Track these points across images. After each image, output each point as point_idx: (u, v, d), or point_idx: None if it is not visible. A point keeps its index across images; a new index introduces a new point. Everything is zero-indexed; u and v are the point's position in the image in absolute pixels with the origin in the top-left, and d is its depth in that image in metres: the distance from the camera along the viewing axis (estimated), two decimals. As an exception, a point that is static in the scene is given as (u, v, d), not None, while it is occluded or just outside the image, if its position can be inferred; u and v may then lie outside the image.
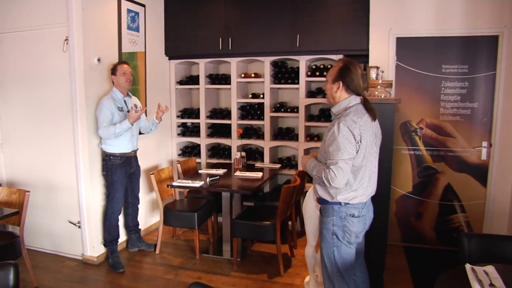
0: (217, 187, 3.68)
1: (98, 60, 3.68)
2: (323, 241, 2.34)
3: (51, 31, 3.63)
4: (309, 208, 2.87)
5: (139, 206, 4.05)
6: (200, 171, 4.28)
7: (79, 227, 3.81)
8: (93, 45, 3.66)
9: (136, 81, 4.26)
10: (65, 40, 3.56)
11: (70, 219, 3.84)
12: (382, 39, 3.96)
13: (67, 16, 3.51)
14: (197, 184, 3.67)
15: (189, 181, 3.77)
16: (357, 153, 2.14)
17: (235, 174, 4.07)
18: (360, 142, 2.13)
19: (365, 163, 2.20)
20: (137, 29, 4.21)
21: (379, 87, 3.49)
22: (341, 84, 2.25)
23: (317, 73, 4.35)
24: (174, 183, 3.73)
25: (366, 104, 2.24)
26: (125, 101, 3.71)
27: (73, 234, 3.84)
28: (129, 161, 3.75)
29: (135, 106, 3.75)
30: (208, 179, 3.77)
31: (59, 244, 3.95)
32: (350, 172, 2.17)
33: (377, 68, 3.70)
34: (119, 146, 3.64)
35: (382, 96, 3.39)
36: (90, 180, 3.70)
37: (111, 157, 3.65)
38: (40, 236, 4.01)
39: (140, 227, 4.15)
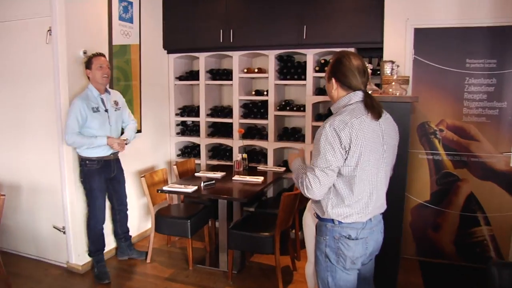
0: (210, 193, 3.34)
1: (84, 52, 3.38)
2: (317, 264, 1.97)
3: (34, 22, 3.35)
4: (308, 222, 2.50)
5: (128, 212, 3.72)
6: (196, 174, 3.95)
7: (64, 232, 3.53)
8: (79, 36, 3.37)
9: (130, 76, 3.96)
10: (48, 31, 3.28)
11: (55, 223, 3.57)
12: (398, 30, 3.55)
13: (50, 3, 3.22)
14: (189, 189, 3.34)
15: (182, 186, 3.44)
16: (345, 160, 1.77)
17: (233, 178, 3.73)
18: (349, 148, 1.75)
19: (359, 173, 1.79)
20: (130, 20, 3.90)
21: (393, 83, 3.09)
22: (333, 81, 1.90)
23: (326, 68, 3.95)
24: (164, 188, 3.40)
25: (367, 101, 1.84)
26: (102, 100, 3.31)
27: (58, 240, 3.57)
28: (108, 165, 3.38)
29: (126, 140, 3.43)
30: (202, 184, 3.44)
31: (44, 250, 3.69)
32: (343, 183, 1.81)
33: (392, 62, 3.32)
34: (96, 149, 3.27)
35: (397, 93, 3.00)
36: (75, 183, 3.41)
37: (87, 161, 3.28)
38: (24, 241, 3.76)
39: (131, 233, 3.83)
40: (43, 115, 3.44)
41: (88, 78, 3.28)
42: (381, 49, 3.69)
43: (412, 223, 3.74)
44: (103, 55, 3.30)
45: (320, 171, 1.77)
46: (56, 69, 3.28)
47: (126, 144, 3.38)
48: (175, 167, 4.08)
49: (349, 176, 1.79)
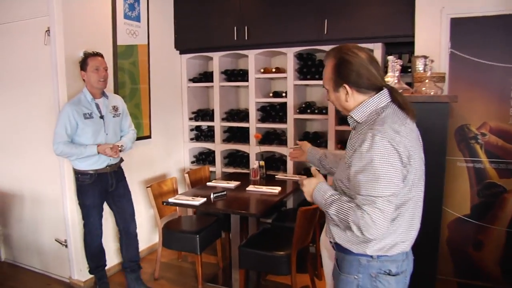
0: (219, 207, 3.01)
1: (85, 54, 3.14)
2: None
3: (33, 22, 3.14)
4: (327, 246, 2.12)
5: (136, 232, 3.21)
6: (209, 184, 3.64)
7: (66, 246, 3.31)
8: (79, 36, 3.13)
9: (137, 79, 3.70)
10: (46, 31, 3.06)
11: (58, 236, 3.36)
12: (432, 21, 3.12)
13: (47, 2, 3.00)
14: (197, 202, 3.03)
15: (190, 197, 3.14)
16: (403, 181, 1.39)
17: (247, 188, 3.39)
18: (409, 164, 1.39)
19: (414, 194, 1.44)
20: (137, 19, 3.65)
21: (427, 81, 2.69)
22: (347, 88, 1.50)
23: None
24: (170, 200, 3.10)
25: (399, 99, 1.47)
26: (97, 105, 2.93)
27: (60, 254, 3.36)
28: (103, 179, 2.98)
29: (121, 146, 2.98)
30: (212, 195, 3.13)
31: (47, 264, 3.49)
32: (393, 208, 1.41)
33: (425, 57, 2.95)
34: (88, 160, 2.89)
35: (432, 92, 2.60)
36: (75, 194, 3.17)
37: (79, 175, 2.93)
38: (28, 253, 3.58)
39: (140, 261, 3.30)
40: (42, 121, 3.23)
41: (84, 80, 2.93)
42: (411, 44, 3.27)
43: (449, 240, 3.29)
44: (101, 55, 2.95)
45: (384, 201, 1.33)
46: (54, 71, 3.06)
47: (120, 151, 2.96)
48: (186, 175, 3.80)
49: (404, 200, 1.42)
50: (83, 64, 2.89)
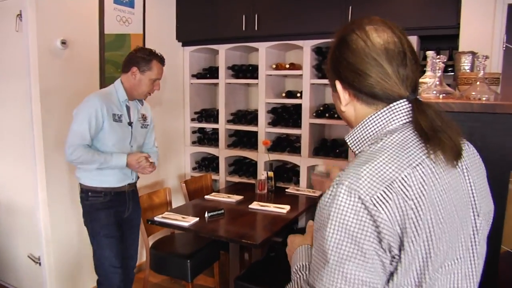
0: (211, 231, 2.48)
1: (63, 43, 2.68)
2: None
3: (4, 4, 2.71)
4: None
5: (134, 271, 2.63)
6: (207, 197, 3.12)
7: (40, 264, 2.87)
8: (57, 22, 2.68)
9: (130, 73, 3.22)
10: (18, 15, 2.61)
11: (32, 251, 2.92)
12: (483, 8, 2.52)
13: (18, -19, 2.56)
14: (187, 222, 2.52)
15: (179, 215, 2.64)
16: (392, 276, 0.75)
17: (250, 206, 2.87)
18: (400, 246, 0.73)
19: (442, 275, 0.79)
20: (130, 4, 3.17)
21: (478, 83, 2.09)
22: (339, 86, 0.92)
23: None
24: (156, 219, 2.60)
25: (424, 122, 0.82)
26: (127, 108, 2.34)
27: (34, 272, 2.92)
28: (120, 200, 2.37)
29: (148, 157, 2.36)
30: (206, 215, 2.62)
31: (22, 282, 3.07)
32: None
33: (473, 54, 2.35)
34: (106, 175, 2.28)
35: (483, 98, 2.00)
36: (49, 204, 2.73)
37: (90, 193, 2.28)
38: (3, 268, 3.16)
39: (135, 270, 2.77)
40: (17, 120, 2.79)
41: (129, 75, 2.29)
42: (453, 37, 2.69)
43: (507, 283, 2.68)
44: (163, 62, 2.36)
45: None
46: (26, 62, 2.60)
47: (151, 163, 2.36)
48: (183, 185, 3.31)
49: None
50: (143, 63, 2.26)
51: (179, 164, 3.92)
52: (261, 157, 3.56)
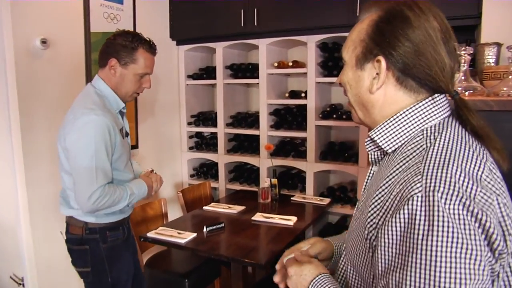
0: (211, 249, 2.22)
1: (43, 42, 2.42)
2: None
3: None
4: None
5: None
6: (205, 208, 2.87)
7: (23, 286, 2.62)
8: (36, 20, 2.41)
9: (119, 75, 2.97)
10: (-8, 12, 2.36)
11: (15, 272, 2.67)
12: (509, -5, 2.28)
13: (-8, -27, 2.30)
14: (183, 239, 2.26)
15: (175, 231, 2.38)
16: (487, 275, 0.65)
17: (253, 218, 2.61)
18: (504, 248, 0.67)
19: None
20: (119, 0, 2.92)
21: (510, 77, 1.85)
22: (383, 64, 0.80)
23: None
24: (148, 235, 2.35)
25: (471, 120, 0.79)
26: (122, 114, 1.88)
27: (18, 296, 2.67)
28: (129, 229, 1.97)
29: (152, 170, 2.07)
30: (205, 229, 2.36)
31: (5, 306, 2.81)
32: None
33: (498, 45, 2.14)
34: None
35: (515, 95, 1.76)
36: (31, 221, 2.48)
37: (107, 232, 1.78)
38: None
39: None
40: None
41: (102, 79, 1.78)
42: (473, 28, 2.46)
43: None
44: (155, 52, 1.84)
45: None
46: (2, 64, 2.35)
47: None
48: (180, 195, 3.06)
49: None
50: (124, 53, 1.71)
51: (175, 171, 3.66)
52: (264, 162, 3.31)
